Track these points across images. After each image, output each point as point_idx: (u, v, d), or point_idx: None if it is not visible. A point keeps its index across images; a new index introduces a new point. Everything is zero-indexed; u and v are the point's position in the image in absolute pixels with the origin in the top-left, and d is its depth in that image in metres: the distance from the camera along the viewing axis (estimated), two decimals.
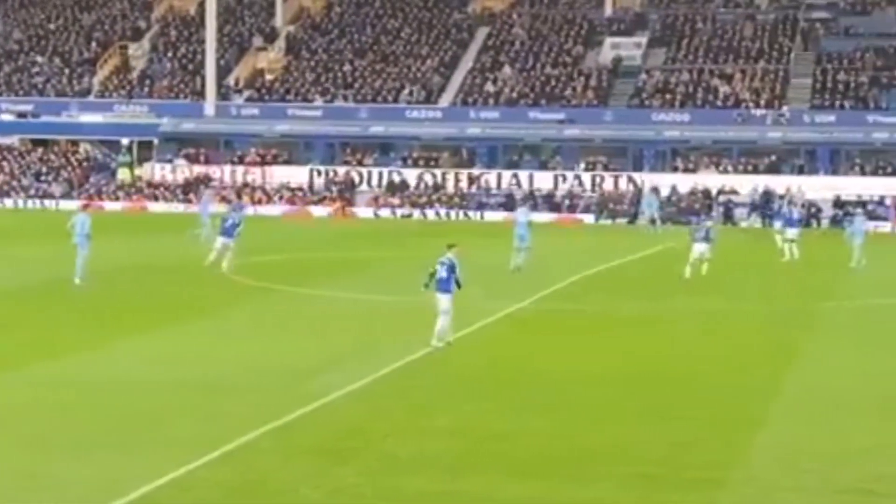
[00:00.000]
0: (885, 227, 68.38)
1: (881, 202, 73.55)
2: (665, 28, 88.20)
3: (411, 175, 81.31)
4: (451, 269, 26.97)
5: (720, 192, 76.97)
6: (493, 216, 75.02)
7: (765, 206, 75.12)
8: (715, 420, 20.69)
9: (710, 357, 27.24)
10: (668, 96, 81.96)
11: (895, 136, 76.77)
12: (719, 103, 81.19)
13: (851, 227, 50.44)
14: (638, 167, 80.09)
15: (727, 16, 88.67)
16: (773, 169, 78.12)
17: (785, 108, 79.75)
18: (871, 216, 68.77)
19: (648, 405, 21.76)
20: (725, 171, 78.60)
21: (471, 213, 76.78)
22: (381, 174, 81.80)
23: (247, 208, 67.12)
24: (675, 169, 79.58)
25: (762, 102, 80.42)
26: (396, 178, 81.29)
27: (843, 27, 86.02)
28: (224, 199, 72.53)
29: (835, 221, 72.72)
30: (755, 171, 78.18)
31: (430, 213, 77.70)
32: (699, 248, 42.02)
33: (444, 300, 26.98)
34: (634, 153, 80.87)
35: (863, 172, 76.71)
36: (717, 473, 17.36)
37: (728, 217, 75.09)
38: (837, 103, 79.65)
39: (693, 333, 30.44)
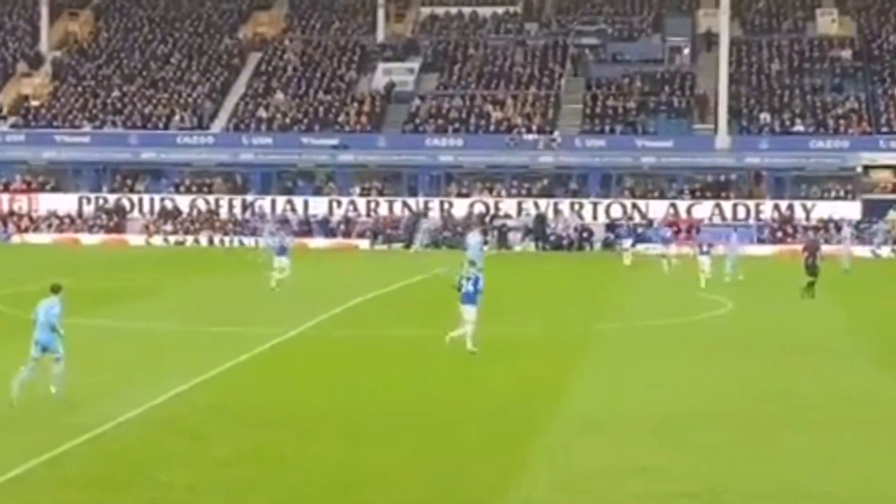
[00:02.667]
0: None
1: (650, 224, 75.09)
2: (437, 54, 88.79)
3: (184, 202, 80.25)
4: (476, 282, 30.12)
5: (494, 216, 77.72)
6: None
7: (538, 229, 76.12)
8: (491, 444, 20.62)
9: (486, 380, 27.20)
10: (441, 121, 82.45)
11: (663, 161, 78.50)
12: (492, 128, 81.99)
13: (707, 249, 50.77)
14: (413, 192, 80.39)
15: (498, 42, 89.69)
16: (546, 193, 79.19)
17: (556, 133, 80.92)
18: (641, 239, 70.28)
19: (426, 432, 21.58)
20: (499, 196, 79.41)
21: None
22: (152, 201, 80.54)
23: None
24: (449, 194, 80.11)
25: (534, 127, 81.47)
26: (168, 205, 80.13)
27: (612, 53, 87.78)
28: None
29: (606, 244, 74.19)
30: (528, 194, 79.17)
31: (203, 240, 76.78)
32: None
33: (468, 311, 30.04)
34: (409, 178, 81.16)
35: (633, 195, 78.27)
36: (494, 497, 17.23)
37: (502, 241, 75.83)
38: (607, 128, 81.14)
39: (468, 358, 30.38)
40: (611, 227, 75.84)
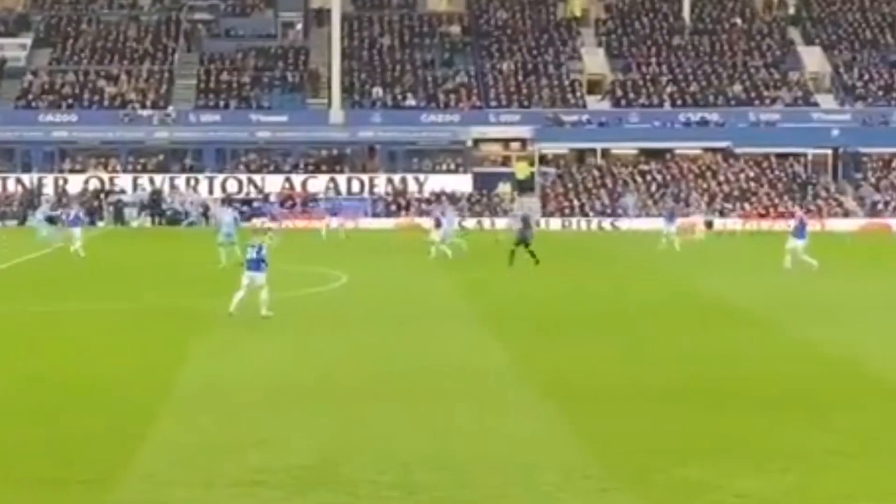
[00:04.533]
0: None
1: (266, 199, 75.64)
2: (49, 29, 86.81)
3: None
4: (259, 250, 31.71)
5: (109, 191, 76.72)
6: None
7: (154, 205, 75.60)
8: (108, 420, 20.64)
9: (103, 357, 27.11)
10: (54, 97, 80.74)
11: (277, 135, 79.10)
12: (106, 104, 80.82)
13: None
14: (26, 169, 78.52)
15: (111, 17, 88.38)
16: (162, 168, 78.67)
17: (171, 109, 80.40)
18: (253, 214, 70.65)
19: (40, 407, 21.43)
20: (114, 171, 78.40)
21: None
22: None
23: None
24: (63, 170, 78.58)
25: (148, 103, 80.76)
26: None
27: (225, 29, 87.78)
28: None
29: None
30: (144, 170, 78.47)
31: None
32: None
33: (254, 277, 31.79)
34: (22, 154, 79.20)
35: (249, 170, 78.61)
36: (109, 472, 17.33)
37: (119, 217, 74.95)
38: (222, 103, 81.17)
39: (89, 333, 30.14)
40: (228, 201, 76.09)
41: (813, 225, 72.28)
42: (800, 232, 46.61)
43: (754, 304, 36.84)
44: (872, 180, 78.46)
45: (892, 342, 29.70)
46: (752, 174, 78.98)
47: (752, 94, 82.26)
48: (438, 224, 52.03)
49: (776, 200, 76.10)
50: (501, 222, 68.20)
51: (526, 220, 49.92)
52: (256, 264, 31.86)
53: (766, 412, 21.43)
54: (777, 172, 79.32)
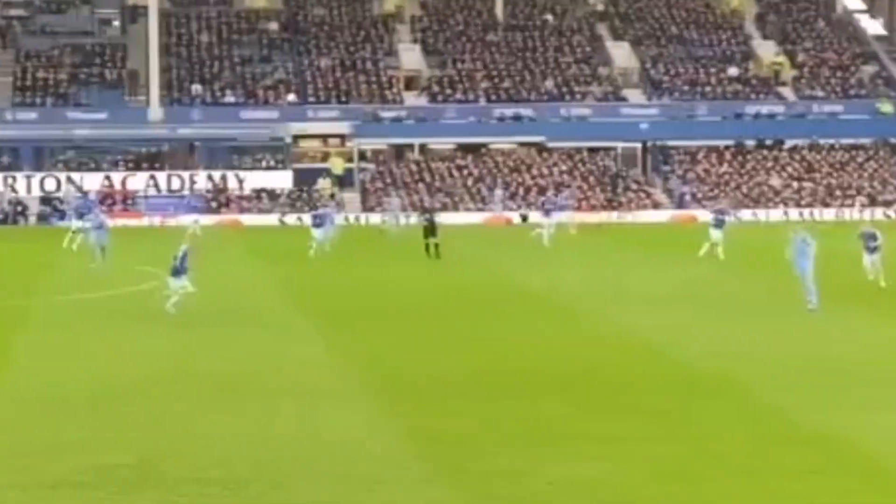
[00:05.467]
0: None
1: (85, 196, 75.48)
2: None
3: None
4: (184, 258, 33.04)
5: None
6: None
7: None
8: None
9: None
10: None
11: (96, 133, 78.81)
12: None
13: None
14: None
15: None
16: None
17: None
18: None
19: None
20: None
21: None
22: None
23: None
24: None
25: None
26: None
27: (41, 25, 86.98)
28: None
29: (42, 218, 73.92)
30: None
31: None
32: None
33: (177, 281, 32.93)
34: None
35: (67, 168, 78.21)
36: None
37: None
38: (39, 100, 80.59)
39: None
40: (46, 201, 75.69)
41: (623, 217, 74.99)
42: (719, 223, 49.00)
43: (571, 295, 38.20)
44: (680, 172, 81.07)
45: (696, 329, 31.27)
46: (564, 168, 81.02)
47: (564, 90, 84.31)
48: (320, 224, 52.82)
49: (588, 193, 78.22)
50: (375, 217, 69.49)
51: (429, 212, 51.59)
52: (179, 271, 32.94)
53: (579, 400, 22.54)
54: (589, 166, 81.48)
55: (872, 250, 38.60)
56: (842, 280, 37.28)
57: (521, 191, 78.15)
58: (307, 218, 66.68)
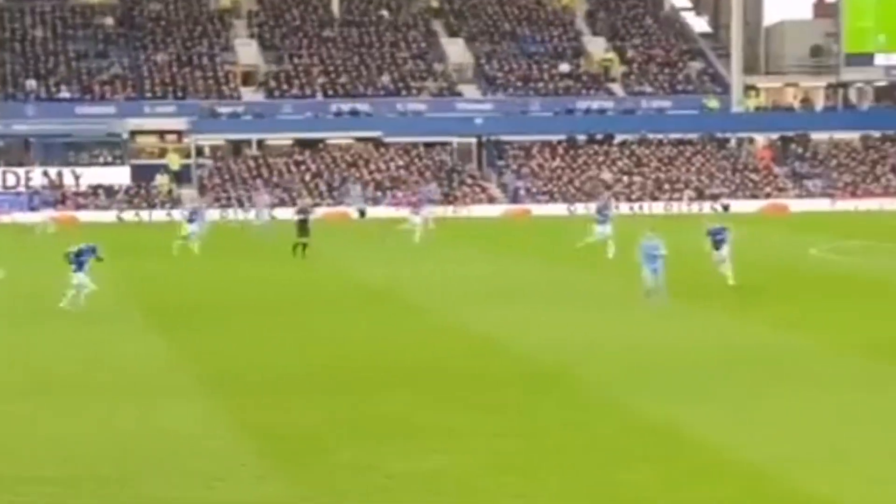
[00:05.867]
0: None
1: None
2: None
3: None
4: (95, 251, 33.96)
5: None
6: None
7: None
8: None
9: None
10: None
11: None
12: None
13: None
14: None
15: None
16: None
17: None
18: None
19: None
20: None
21: None
22: None
23: None
24: None
25: None
26: None
27: None
28: None
29: None
30: None
31: None
32: None
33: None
34: None
35: None
36: None
37: None
38: None
39: None
40: None
41: (458, 211, 76.34)
42: (604, 219, 48.45)
43: (414, 291, 38.87)
44: (514, 167, 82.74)
45: (535, 323, 32.07)
46: (401, 163, 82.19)
47: (400, 85, 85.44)
48: (192, 219, 52.86)
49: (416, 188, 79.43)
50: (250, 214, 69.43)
51: (304, 212, 51.39)
52: (80, 265, 33.51)
53: (421, 394, 23.16)
54: (425, 161, 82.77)
55: (720, 244, 37.82)
56: (682, 275, 38.08)
57: (372, 186, 79.09)
58: (144, 214, 67.33)
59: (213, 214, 68.25)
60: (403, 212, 63.72)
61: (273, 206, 69.73)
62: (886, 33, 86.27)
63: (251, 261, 49.00)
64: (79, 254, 33.53)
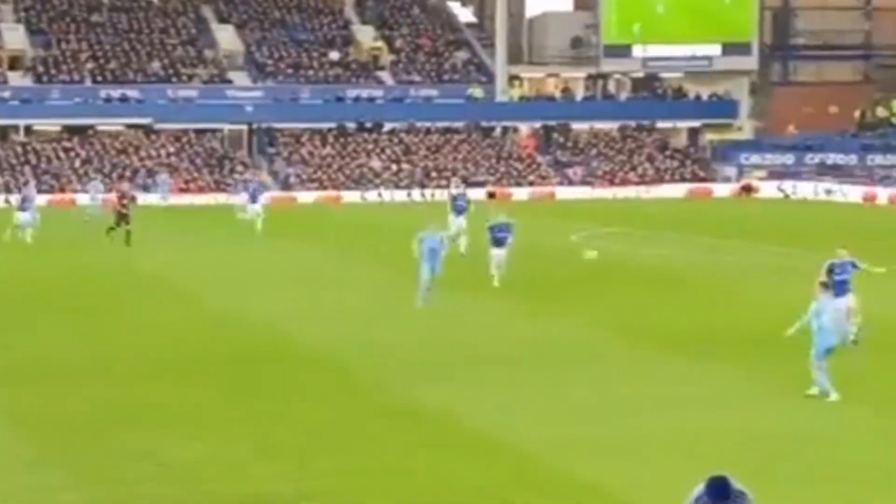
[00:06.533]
0: None
1: None
2: None
3: None
4: None
5: None
6: None
7: None
8: None
9: None
10: None
11: None
12: None
13: None
14: None
15: None
16: None
17: None
18: None
19: None
20: None
21: None
22: None
23: None
24: None
25: None
26: None
27: None
28: None
29: None
30: None
31: None
32: None
33: None
34: None
35: None
36: None
37: None
38: None
39: None
40: None
41: (231, 198, 76.84)
42: (460, 210, 46.42)
43: (187, 278, 39.61)
44: (285, 154, 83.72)
45: (304, 309, 33.09)
46: (172, 150, 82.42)
47: (171, 72, 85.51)
48: (27, 208, 51.59)
49: (195, 175, 79.92)
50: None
51: (124, 196, 50.53)
52: None
53: (192, 382, 23.87)
54: (196, 148, 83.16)
55: (501, 242, 36.31)
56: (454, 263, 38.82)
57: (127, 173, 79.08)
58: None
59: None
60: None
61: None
62: (642, 25, 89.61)
63: (47, 251, 48.52)
64: None
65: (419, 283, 33.70)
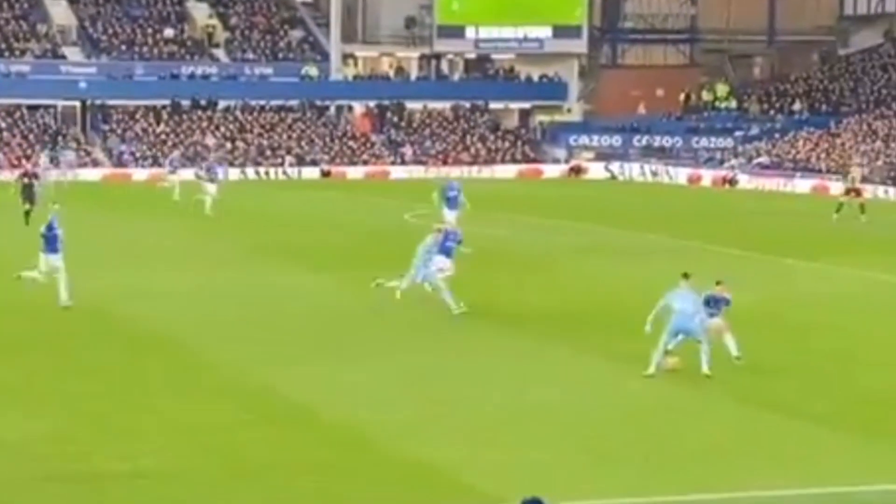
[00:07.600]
0: None
1: None
2: None
3: None
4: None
5: None
6: None
7: None
8: None
9: None
10: None
11: None
12: None
13: None
14: None
15: None
16: None
17: None
18: None
19: None
20: None
21: None
22: None
23: None
24: None
25: None
26: None
27: None
28: None
29: None
30: None
31: None
32: None
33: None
34: None
35: None
36: None
37: None
38: None
39: None
40: None
41: (63, 175, 76.43)
42: (213, 178, 51.43)
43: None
44: (119, 131, 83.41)
45: (143, 286, 33.56)
46: (4, 125, 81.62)
47: (3, 46, 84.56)
48: None
49: (28, 151, 79.23)
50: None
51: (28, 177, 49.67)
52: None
53: (28, 363, 24.24)
54: (29, 123, 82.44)
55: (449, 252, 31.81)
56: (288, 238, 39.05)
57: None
58: None
59: None
60: None
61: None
62: (476, 6, 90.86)
63: None
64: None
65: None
